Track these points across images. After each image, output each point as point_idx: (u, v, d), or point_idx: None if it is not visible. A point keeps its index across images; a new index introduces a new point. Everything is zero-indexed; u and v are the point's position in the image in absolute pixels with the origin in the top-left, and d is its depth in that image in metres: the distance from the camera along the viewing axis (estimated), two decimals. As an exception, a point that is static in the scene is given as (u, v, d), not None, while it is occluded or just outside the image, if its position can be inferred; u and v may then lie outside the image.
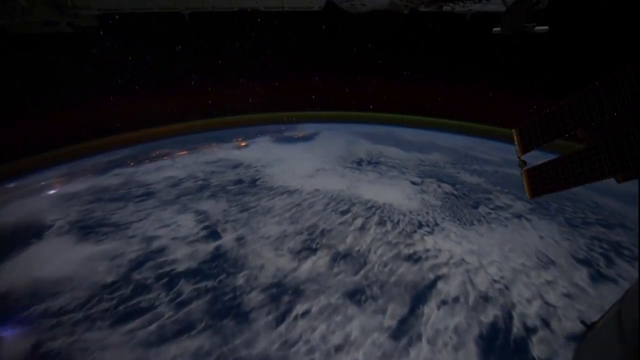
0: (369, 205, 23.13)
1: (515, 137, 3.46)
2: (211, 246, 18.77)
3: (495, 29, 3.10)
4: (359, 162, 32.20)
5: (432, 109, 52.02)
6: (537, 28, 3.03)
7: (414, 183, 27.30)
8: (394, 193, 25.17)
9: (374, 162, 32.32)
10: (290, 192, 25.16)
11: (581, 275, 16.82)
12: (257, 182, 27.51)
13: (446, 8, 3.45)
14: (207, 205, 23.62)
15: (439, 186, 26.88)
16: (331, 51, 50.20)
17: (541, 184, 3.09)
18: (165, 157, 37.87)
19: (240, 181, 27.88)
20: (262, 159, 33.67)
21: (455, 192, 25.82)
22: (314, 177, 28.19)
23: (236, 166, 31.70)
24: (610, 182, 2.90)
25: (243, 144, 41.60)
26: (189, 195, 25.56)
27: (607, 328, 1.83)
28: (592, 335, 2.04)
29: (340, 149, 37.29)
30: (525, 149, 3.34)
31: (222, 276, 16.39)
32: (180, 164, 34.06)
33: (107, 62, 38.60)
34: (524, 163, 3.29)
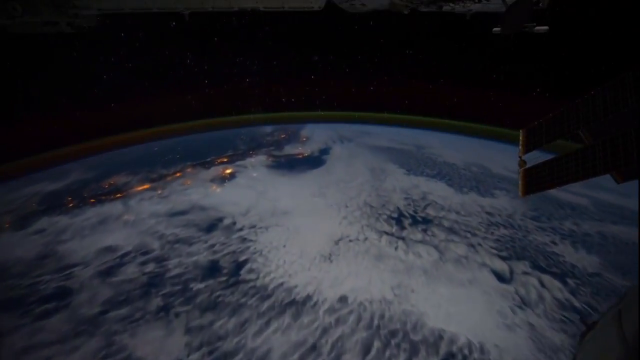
0: (442, 352, 12.65)
1: (521, 137, 3.47)
2: None
3: (495, 29, 3.04)
4: (399, 220, 21.35)
5: (443, 110, 47.44)
6: (537, 28, 3.00)
7: (500, 277, 16.68)
8: (477, 309, 14.64)
9: (421, 220, 21.45)
10: (297, 306, 14.57)
11: None
12: (242, 271, 16.84)
13: (446, 8, 3.37)
14: (149, 343, 13.11)
15: (542, 284, 16.33)
16: (334, 49, 44.62)
17: (536, 182, 3.04)
18: (118, 195, 26.93)
19: (215, 267, 17.18)
20: (253, 208, 22.76)
21: (576, 303, 15.30)
22: (334, 261, 17.48)
23: (212, 226, 20.84)
24: None
25: (228, 171, 30.41)
26: (124, 306, 14.95)
27: (607, 328, 1.78)
28: (592, 335, 1.99)
29: (364, 185, 26.28)
30: (527, 149, 3.34)
31: None
32: (132, 214, 23.19)
33: (99, 63, 35.53)
34: (524, 163, 3.26)
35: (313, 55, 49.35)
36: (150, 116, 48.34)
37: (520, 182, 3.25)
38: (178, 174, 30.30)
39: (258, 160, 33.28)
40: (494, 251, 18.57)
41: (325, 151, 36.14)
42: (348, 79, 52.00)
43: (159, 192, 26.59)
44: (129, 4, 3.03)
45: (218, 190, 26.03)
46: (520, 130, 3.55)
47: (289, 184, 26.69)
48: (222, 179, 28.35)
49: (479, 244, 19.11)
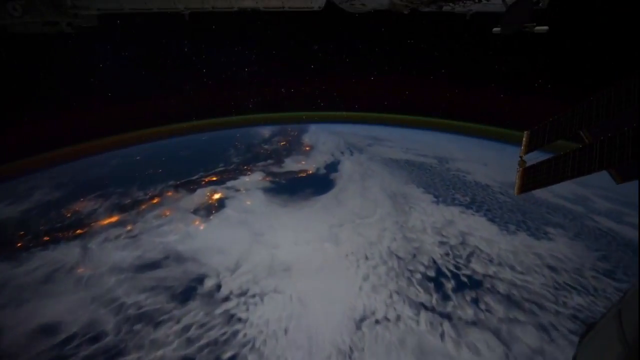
0: None
1: (524, 139, 3.52)
2: None
3: (495, 29, 3.03)
4: (438, 282, 16.13)
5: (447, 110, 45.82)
6: (537, 28, 3.00)
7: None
8: None
9: (467, 282, 16.24)
10: None
11: None
12: (227, 381, 11.74)
13: (446, 8, 3.36)
14: None
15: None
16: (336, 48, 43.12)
17: (532, 181, 3.06)
18: (78, 232, 21.61)
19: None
20: (245, 260, 17.50)
21: None
22: (358, 363, 12.34)
23: (189, 291, 15.63)
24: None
25: (216, 196, 25.01)
26: None
27: (607, 328, 1.78)
28: (592, 335, 1.97)
29: (385, 222, 20.96)
30: (529, 149, 3.37)
31: None
32: (89, 265, 17.98)
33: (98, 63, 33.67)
34: (524, 163, 3.29)
35: (313, 45, 45.51)
36: (140, 116, 44.64)
37: (517, 181, 3.18)
38: (155, 200, 24.95)
39: (253, 180, 27.85)
40: (576, 338, 13.44)
41: (332, 167, 30.68)
42: (350, 73, 48.62)
43: (129, 228, 21.28)
44: (129, 4, 2.99)
45: (202, 227, 20.69)
46: (525, 132, 3.52)
47: (290, 219, 21.34)
48: (209, 209, 22.98)
49: (553, 326, 13.96)
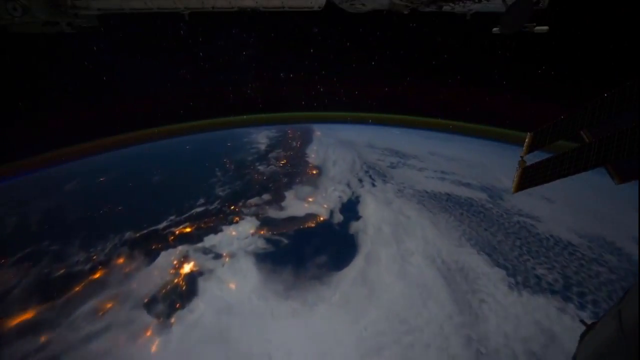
0: None
1: (527, 140, 3.52)
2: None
3: (495, 29, 3.03)
4: None
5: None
6: (537, 28, 3.01)
7: None
8: None
9: None
10: None
11: None
12: None
13: (446, 8, 3.36)
14: None
15: None
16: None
17: (530, 179, 3.04)
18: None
19: None
20: None
21: None
22: None
23: None
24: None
25: (186, 270, 16.98)
26: None
27: (607, 328, 1.77)
28: (592, 335, 1.98)
29: (449, 338, 13.18)
30: (530, 149, 3.38)
31: None
32: None
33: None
34: (524, 162, 3.29)
35: (313, 28, 38.99)
36: (128, 117, 37.89)
37: (515, 180, 3.15)
38: (97, 274, 17.07)
39: (242, 233, 19.77)
40: None
41: (351, 208, 22.51)
42: (351, 70, 42.17)
43: (42, 341, 13.46)
44: (129, 4, 2.94)
45: (154, 348, 12.82)
46: (528, 134, 3.54)
47: (297, 331, 13.38)
48: (171, 301, 15.01)
49: None
